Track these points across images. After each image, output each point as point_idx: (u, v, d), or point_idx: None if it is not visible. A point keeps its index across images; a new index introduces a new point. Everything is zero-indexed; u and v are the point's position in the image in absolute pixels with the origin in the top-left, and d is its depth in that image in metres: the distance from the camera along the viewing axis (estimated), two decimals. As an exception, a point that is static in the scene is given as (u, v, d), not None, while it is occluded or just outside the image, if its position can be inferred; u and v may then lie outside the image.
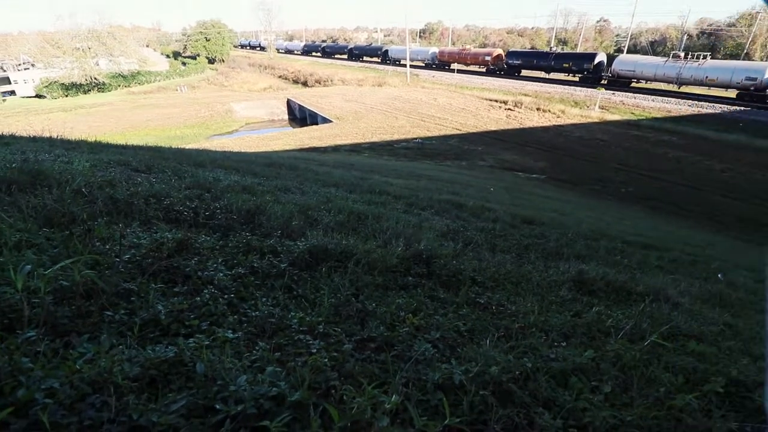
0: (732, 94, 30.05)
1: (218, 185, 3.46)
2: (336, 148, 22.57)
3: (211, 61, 73.86)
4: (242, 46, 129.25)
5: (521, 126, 27.05)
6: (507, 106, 31.32)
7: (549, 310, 2.20)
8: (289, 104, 38.30)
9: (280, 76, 61.92)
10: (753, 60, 41.24)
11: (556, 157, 20.77)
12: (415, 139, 25.02)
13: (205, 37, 74.20)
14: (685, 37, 53.00)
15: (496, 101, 33.28)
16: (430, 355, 1.37)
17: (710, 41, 52.84)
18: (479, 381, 1.26)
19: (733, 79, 29.26)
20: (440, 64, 54.00)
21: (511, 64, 45.03)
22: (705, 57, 31.70)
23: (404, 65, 50.71)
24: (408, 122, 29.04)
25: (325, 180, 5.45)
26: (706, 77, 30.43)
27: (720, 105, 28.14)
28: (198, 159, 5.63)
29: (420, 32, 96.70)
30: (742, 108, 27.23)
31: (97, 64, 50.13)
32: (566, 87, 36.53)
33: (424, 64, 56.87)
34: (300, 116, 35.54)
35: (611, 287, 3.03)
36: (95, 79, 47.93)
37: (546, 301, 2.37)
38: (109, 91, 48.33)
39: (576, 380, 1.43)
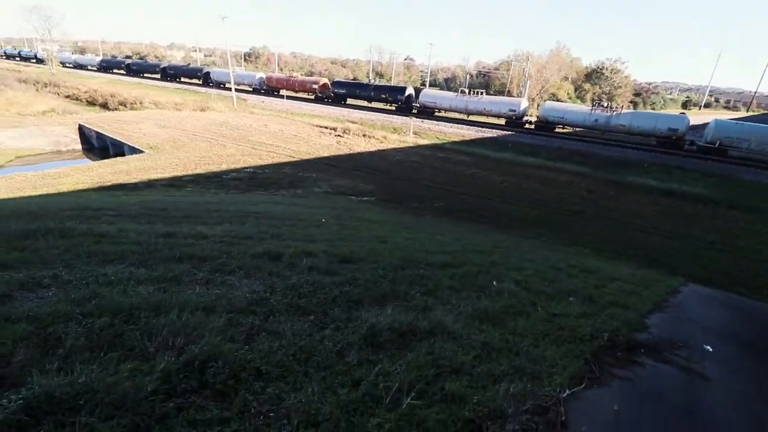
0: (502, 121, 38.94)
1: None
2: (150, 184, 19.64)
3: (-47, 72, 55.42)
4: (8, 56, 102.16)
5: (351, 151, 28.91)
6: (336, 133, 33.08)
7: (329, 391, 2.33)
8: (83, 131, 31.69)
9: (68, 96, 50.77)
10: (513, 96, 54.56)
11: (382, 179, 22.89)
12: (247, 168, 23.90)
13: (-61, 41, 55.46)
14: (468, 76, 66.58)
15: (327, 128, 34.79)
16: None
17: (485, 80, 67.48)
18: None
19: (501, 110, 37.96)
20: (268, 89, 53.48)
21: (338, 93, 47.96)
22: (482, 93, 40.31)
23: (229, 89, 48.31)
24: (237, 150, 27.62)
25: (107, 250, 4.58)
26: (485, 109, 38.66)
27: (495, 130, 36.08)
28: None
29: (245, 55, 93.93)
30: (510, 132, 35.53)
31: None
32: (386, 115, 40.96)
33: (251, 89, 55.39)
34: (99, 146, 29.78)
35: (397, 333, 3.42)
36: None
37: (328, 379, 2.49)
38: None
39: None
